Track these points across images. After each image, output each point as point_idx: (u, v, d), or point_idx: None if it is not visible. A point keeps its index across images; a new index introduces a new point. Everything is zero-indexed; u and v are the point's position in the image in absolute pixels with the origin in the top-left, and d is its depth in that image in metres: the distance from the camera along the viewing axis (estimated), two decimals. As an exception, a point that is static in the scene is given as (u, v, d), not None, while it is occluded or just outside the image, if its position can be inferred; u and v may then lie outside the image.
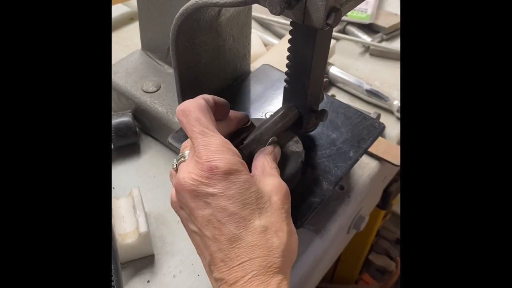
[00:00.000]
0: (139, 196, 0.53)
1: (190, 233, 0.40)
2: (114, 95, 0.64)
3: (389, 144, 0.65)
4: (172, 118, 0.59)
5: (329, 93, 0.75)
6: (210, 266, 0.38)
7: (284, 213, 0.39)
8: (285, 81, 0.50)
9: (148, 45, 0.66)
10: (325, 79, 0.75)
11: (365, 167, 0.63)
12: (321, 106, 0.53)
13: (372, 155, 0.64)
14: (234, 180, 0.37)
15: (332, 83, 0.76)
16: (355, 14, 0.86)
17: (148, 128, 0.64)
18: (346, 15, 0.85)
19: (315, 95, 0.50)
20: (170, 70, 0.63)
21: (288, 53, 0.47)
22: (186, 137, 0.54)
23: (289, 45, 0.46)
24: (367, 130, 0.56)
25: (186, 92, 0.56)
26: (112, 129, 0.60)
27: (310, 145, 0.54)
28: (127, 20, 0.88)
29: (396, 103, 0.70)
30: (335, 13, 0.36)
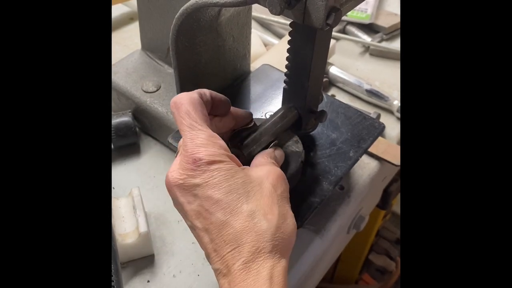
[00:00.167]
0: (139, 196, 0.53)
1: (190, 230, 0.40)
2: (114, 95, 0.64)
3: (389, 144, 0.65)
4: (172, 118, 0.59)
5: (329, 93, 0.75)
6: (207, 259, 0.39)
7: (276, 196, 0.39)
8: (285, 82, 0.50)
9: (148, 45, 0.66)
10: (325, 79, 0.75)
11: (365, 167, 0.63)
12: (321, 106, 0.53)
13: (372, 155, 0.64)
14: (218, 168, 0.37)
15: (332, 83, 0.76)
16: (355, 14, 0.86)
17: (148, 128, 0.64)
18: (346, 15, 0.85)
19: (314, 96, 0.50)
20: (170, 70, 0.63)
21: (287, 53, 0.47)
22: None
23: (289, 46, 0.46)
24: (367, 130, 0.56)
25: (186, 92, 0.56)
26: (112, 129, 0.60)
27: (310, 145, 0.54)
28: (127, 20, 0.88)
29: (396, 103, 0.70)
30: (335, 13, 0.36)
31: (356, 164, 0.54)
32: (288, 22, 0.43)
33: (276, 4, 0.36)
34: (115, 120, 0.61)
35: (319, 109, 0.52)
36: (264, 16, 0.87)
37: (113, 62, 0.66)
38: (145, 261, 0.52)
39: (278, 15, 0.37)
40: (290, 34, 0.45)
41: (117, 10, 0.89)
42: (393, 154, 0.63)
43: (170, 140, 0.54)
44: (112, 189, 0.59)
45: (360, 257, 1.17)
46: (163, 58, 0.65)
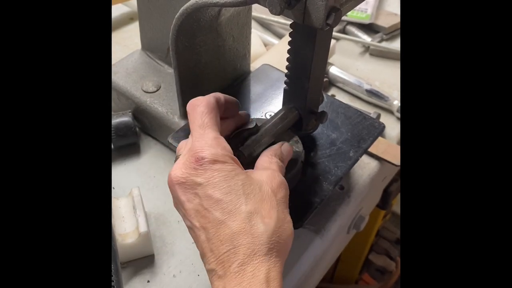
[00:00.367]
0: (139, 196, 0.53)
1: (188, 230, 0.40)
2: (114, 95, 0.64)
3: (389, 144, 0.65)
4: (172, 118, 0.59)
5: (329, 93, 0.75)
6: (202, 259, 0.38)
7: (275, 201, 0.39)
8: (285, 82, 0.50)
9: (148, 45, 0.66)
10: (325, 79, 0.75)
11: (365, 167, 0.63)
12: (321, 106, 0.53)
13: (372, 155, 0.64)
14: (219, 168, 0.38)
15: (332, 83, 0.76)
16: (355, 14, 0.86)
17: (148, 128, 0.64)
18: (346, 15, 0.85)
19: (315, 96, 0.50)
20: (170, 70, 0.63)
21: (288, 53, 0.47)
22: (185, 137, 0.54)
23: (289, 47, 0.46)
24: (367, 130, 0.56)
25: (186, 92, 0.56)
26: (112, 129, 0.60)
27: (310, 145, 0.54)
28: (127, 20, 0.88)
29: (396, 103, 0.70)
30: (335, 13, 0.36)
31: (356, 164, 0.54)
32: (288, 22, 0.43)
33: (276, 4, 0.36)
34: (115, 120, 0.61)
35: (319, 110, 0.52)
36: (264, 16, 0.87)
37: (113, 62, 0.66)
38: (145, 261, 0.52)
39: (278, 15, 0.37)
40: (290, 34, 0.45)
41: (117, 10, 0.89)
42: (393, 154, 0.63)
43: (170, 140, 0.54)
44: (112, 189, 0.59)
45: (360, 257, 1.17)
46: (163, 58, 0.65)
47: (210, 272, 0.37)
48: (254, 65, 0.68)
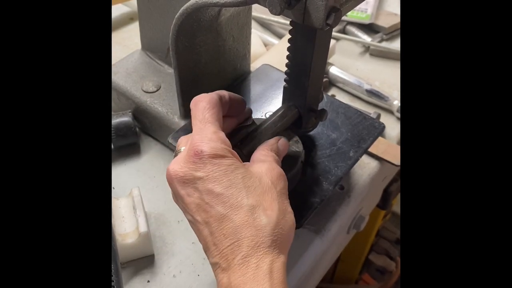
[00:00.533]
0: (139, 196, 0.53)
1: (190, 224, 0.40)
2: (114, 95, 0.64)
3: (389, 144, 0.65)
4: (172, 118, 0.59)
5: (329, 93, 0.75)
6: (206, 253, 0.39)
7: (275, 192, 0.39)
8: (285, 81, 0.50)
9: (148, 45, 0.66)
10: (325, 79, 0.75)
11: (365, 167, 0.63)
12: (321, 106, 0.53)
13: (372, 155, 0.64)
14: (219, 163, 0.38)
15: (332, 83, 0.76)
16: (355, 14, 0.86)
17: (148, 128, 0.64)
18: (346, 15, 0.85)
19: (314, 95, 0.50)
20: (170, 70, 0.63)
21: (288, 53, 0.47)
22: (186, 137, 0.54)
23: (289, 45, 0.46)
24: (367, 130, 0.56)
25: (186, 92, 0.56)
26: (112, 129, 0.60)
27: (310, 145, 0.54)
28: (127, 20, 0.88)
29: (396, 103, 0.70)
30: (335, 13, 0.36)
31: (356, 164, 0.54)
32: (288, 22, 0.44)
33: (276, 4, 0.36)
34: (115, 120, 0.61)
35: (319, 109, 0.52)
36: (264, 16, 0.87)
37: (113, 62, 0.66)
38: (145, 261, 0.52)
39: (278, 15, 0.37)
40: (290, 33, 0.45)
41: (117, 10, 0.89)
42: (393, 154, 0.63)
43: (170, 140, 0.54)
44: (112, 189, 0.59)
45: (360, 257, 1.17)
46: (163, 58, 0.65)
47: (214, 265, 0.38)
48: (254, 65, 0.68)
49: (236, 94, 0.46)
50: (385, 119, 0.71)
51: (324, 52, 0.47)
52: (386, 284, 1.24)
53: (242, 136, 0.46)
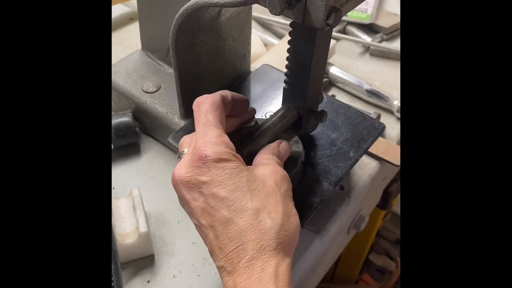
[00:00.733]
0: (139, 196, 0.53)
1: (196, 228, 0.41)
2: (114, 95, 0.64)
3: (389, 144, 0.65)
4: (172, 118, 0.59)
5: (329, 93, 0.75)
6: (212, 256, 0.39)
7: (279, 195, 0.39)
8: (285, 82, 0.50)
9: (148, 45, 0.66)
10: (325, 79, 0.75)
11: (365, 167, 0.63)
12: (321, 106, 0.53)
13: (372, 155, 0.64)
14: (223, 166, 0.38)
15: (332, 83, 0.76)
16: (355, 14, 0.86)
17: (148, 128, 0.64)
18: (346, 15, 0.85)
19: (314, 96, 0.50)
20: (170, 70, 0.63)
21: (287, 53, 0.47)
22: (186, 137, 0.54)
23: (289, 46, 0.46)
24: (367, 130, 0.56)
25: (186, 92, 0.56)
26: (112, 129, 0.60)
27: (310, 145, 0.54)
28: (127, 20, 0.88)
29: (396, 103, 0.70)
30: (335, 13, 0.36)
31: (356, 164, 0.54)
32: (288, 22, 0.44)
33: (276, 4, 0.36)
34: (115, 120, 0.61)
35: (319, 109, 0.52)
36: (264, 16, 0.87)
37: (113, 62, 0.66)
38: (145, 261, 0.52)
39: (278, 15, 0.37)
40: (290, 34, 0.45)
41: (117, 10, 0.89)
42: (393, 154, 0.63)
43: (170, 140, 0.54)
44: (112, 189, 0.59)
45: (360, 257, 1.17)
46: (163, 58, 0.65)
47: (219, 268, 0.38)
48: (254, 65, 0.68)
49: (239, 94, 0.46)
50: (385, 119, 0.71)
51: (324, 53, 0.47)
52: (386, 284, 1.24)
53: (242, 137, 0.46)
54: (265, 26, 0.89)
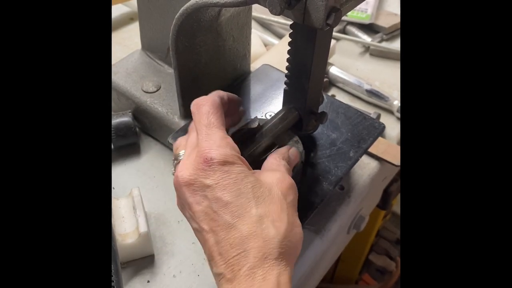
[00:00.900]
0: (139, 196, 0.53)
1: (195, 232, 0.40)
2: (114, 95, 0.64)
3: (389, 144, 0.65)
4: (172, 118, 0.59)
5: (329, 93, 0.75)
6: (210, 262, 0.38)
7: (285, 204, 0.38)
8: (285, 83, 0.50)
9: (148, 45, 0.66)
10: (325, 79, 0.75)
11: (365, 167, 0.63)
12: (321, 107, 0.53)
13: (372, 155, 0.64)
14: (229, 170, 0.37)
15: (332, 83, 0.76)
16: (355, 14, 0.86)
17: (148, 128, 0.64)
18: (346, 15, 0.85)
19: (315, 97, 0.50)
20: (170, 70, 0.63)
21: (288, 54, 0.47)
22: (186, 137, 0.54)
23: (289, 48, 0.46)
24: (367, 130, 0.56)
25: (186, 92, 0.56)
26: (112, 129, 0.60)
27: (310, 145, 0.54)
28: (127, 20, 0.88)
29: (396, 103, 0.70)
30: (335, 13, 0.36)
31: (356, 164, 0.54)
32: (288, 22, 0.44)
33: (276, 4, 0.36)
34: (115, 120, 0.61)
35: (319, 110, 0.52)
36: (264, 16, 0.87)
37: (113, 62, 0.66)
38: (145, 261, 0.52)
39: (278, 15, 0.37)
40: (290, 35, 0.45)
41: (117, 10, 0.89)
42: (393, 154, 0.63)
43: (170, 140, 0.54)
44: (112, 189, 0.59)
45: (360, 257, 1.17)
46: (163, 58, 0.65)
47: (218, 276, 0.37)
48: (254, 65, 0.68)
49: (233, 94, 0.45)
50: (385, 119, 0.71)
51: (324, 53, 0.47)
52: (386, 284, 1.24)
53: (243, 139, 0.46)
54: (265, 26, 0.89)
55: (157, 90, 0.62)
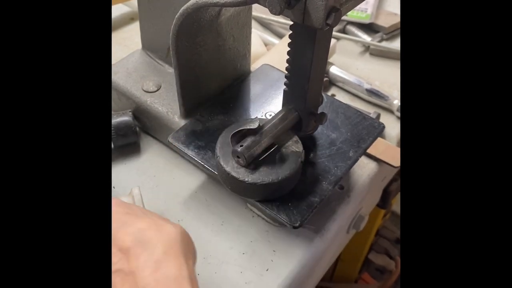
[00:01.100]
0: (139, 196, 0.53)
1: None
2: (114, 95, 0.64)
3: (388, 145, 0.65)
4: (172, 118, 0.59)
5: (329, 93, 0.75)
6: None
7: None
8: (285, 84, 0.50)
9: (149, 45, 0.66)
10: (325, 79, 0.75)
11: (365, 167, 0.63)
12: (321, 107, 0.53)
13: (370, 157, 0.64)
14: None
15: (332, 82, 0.76)
16: (355, 14, 0.86)
17: (148, 127, 0.64)
18: (346, 15, 0.85)
19: (315, 97, 0.50)
20: (171, 70, 0.63)
21: (287, 54, 0.47)
22: (186, 137, 0.54)
23: (289, 49, 0.46)
24: (367, 130, 0.56)
25: (186, 92, 0.56)
26: (112, 128, 0.60)
27: (310, 145, 0.54)
28: (127, 20, 0.88)
29: (396, 102, 0.71)
30: (335, 13, 0.37)
31: (356, 164, 0.54)
32: (288, 22, 0.44)
33: (276, 4, 0.36)
34: (115, 120, 0.61)
35: (319, 111, 0.52)
36: (264, 16, 0.87)
37: (113, 62, 0.66)
38: (145, 260, 0.52)
39: (278, 15, 0.37)
40: (290, 35, 0.45)
41: (117, 10, 0.89)
42: (392, 155, 0.63)
43: (170, 139, 0.54)
44: (112, 188, 0.59)
45: (359, 256, 1.17)
46: (163, 58, 0.65)
47: None
48: (254, 65, 0.68)
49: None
50: (385, 118, 0.71)
51: (324, 53, 0.47)
52: (385, 283, 1.24)
53: (243, 139, 0.46)
54: (265, 25, 0.89)
55: (157, 90, 0.62)
